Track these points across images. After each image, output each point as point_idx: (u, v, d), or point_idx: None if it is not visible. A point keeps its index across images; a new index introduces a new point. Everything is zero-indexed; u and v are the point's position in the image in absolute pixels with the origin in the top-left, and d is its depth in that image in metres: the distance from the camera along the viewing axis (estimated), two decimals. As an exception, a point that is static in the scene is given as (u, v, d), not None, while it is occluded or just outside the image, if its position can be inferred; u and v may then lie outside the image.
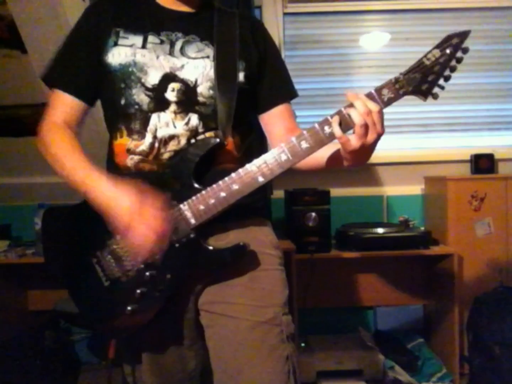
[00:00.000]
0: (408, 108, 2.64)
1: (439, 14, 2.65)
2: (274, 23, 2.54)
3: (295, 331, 1.06)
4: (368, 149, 0.93)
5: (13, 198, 2.64)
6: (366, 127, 0.90)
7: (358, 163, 0.98)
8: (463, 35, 0.90)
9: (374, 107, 0.90)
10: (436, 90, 0.93)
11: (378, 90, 0.92)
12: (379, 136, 0.92)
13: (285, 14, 2.60)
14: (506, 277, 2.33)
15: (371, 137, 0.91)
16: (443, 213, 2.37)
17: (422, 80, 0.92)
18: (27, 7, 1.94)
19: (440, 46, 0.91)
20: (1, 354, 2.07)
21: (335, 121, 0.92)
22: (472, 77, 2.66)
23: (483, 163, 2.51)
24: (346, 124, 0.92)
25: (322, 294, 2.46)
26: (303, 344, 2.36)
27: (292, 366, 1.00)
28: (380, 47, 2.69)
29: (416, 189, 2.67)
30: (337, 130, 0.91)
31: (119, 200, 0.91)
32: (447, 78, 0.92)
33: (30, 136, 2.33)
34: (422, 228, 2.40)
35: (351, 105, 0.91)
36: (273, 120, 1.15)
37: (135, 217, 0.89)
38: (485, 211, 2.33)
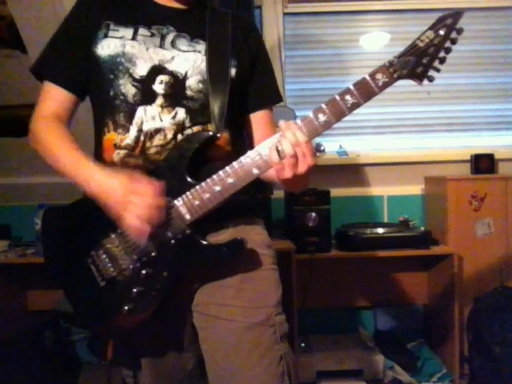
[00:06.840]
0: (408, 108, 2.61)
1: (439, 14, 2.63)
2: (274, 23, 2.53)
3: (289, 330, 1.05)
4: (300, 178, 0.92)
5: (13, 198, 2.64)
6: (296, 157, 0.89)
7: (293, 190, 1.03)
8: (457, 15, 0.89)
9: (302, 138, 0.89)
10: (431, 72, 0.91)
11: (372, 74, 0.90)
12: (309, 167, 0.90)
13: (285, 14, 2.59)
14: (506, 277, 2.33)
15: (301, 168, 0.90)
16: (443, 213, 2.36)
17: (417, 63, 0.90)
18: (27, 7, 1.94)
19: (434, 27, 0.90)
20: (1, 354, 2.07)
21: (272, 147, 0.90)
22: (472, 77, 2.65)
23: (483, 163, 2.51)
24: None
25: (322, 294, 2.46)
26: (303, 344, 2.36)
27: (286, 366, 0.99)
28: (380, 47, 2.68)
29: (416, 189, 2.66)
30: (274, 156, 0.90)
31: (111, 182, 0.90)
32: (442, 60, 0.90)
33: (30, 136, 2.36)
34: (422, 228, 2.39)
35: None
36: (253, 124, 1.15)
37: (128, 193, 0.88)
38: (485, 211, 2.33)
